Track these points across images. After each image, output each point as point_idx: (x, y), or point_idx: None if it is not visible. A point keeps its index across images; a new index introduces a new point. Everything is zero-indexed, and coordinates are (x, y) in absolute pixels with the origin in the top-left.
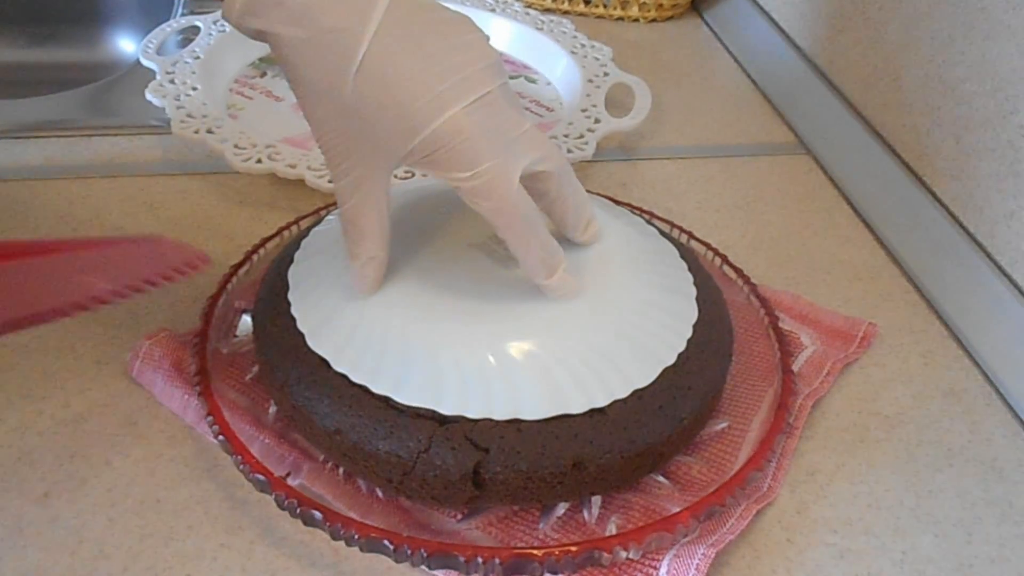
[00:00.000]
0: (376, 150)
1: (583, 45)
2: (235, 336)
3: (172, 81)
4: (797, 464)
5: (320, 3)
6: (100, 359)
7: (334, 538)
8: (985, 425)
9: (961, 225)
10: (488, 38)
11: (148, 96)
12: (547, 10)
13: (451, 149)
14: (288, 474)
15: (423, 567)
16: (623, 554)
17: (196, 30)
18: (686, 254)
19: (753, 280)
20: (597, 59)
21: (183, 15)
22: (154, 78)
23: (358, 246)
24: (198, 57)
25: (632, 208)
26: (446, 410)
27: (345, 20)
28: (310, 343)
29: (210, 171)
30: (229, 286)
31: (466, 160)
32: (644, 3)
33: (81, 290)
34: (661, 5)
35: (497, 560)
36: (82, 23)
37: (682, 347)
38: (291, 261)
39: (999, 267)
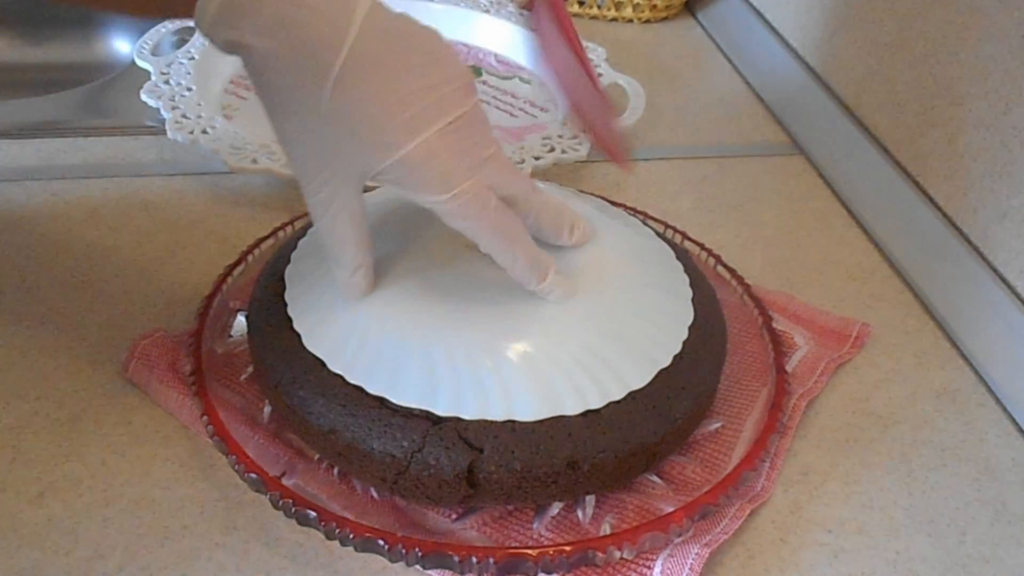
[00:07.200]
0: (349, 165)
1: None
2: (230, 336)
3: (167, 82)
4: (791, 464)
5: (297, 14)
6: (95, 359)
7: (329, 538)
8: (978, 425)
9: (954, 225)
10: (459, 55)
11: (143, 97)
12: None
13: (425, 173)
14: (283, 474)
15: (418, 567)
16: (617, 554)
17: (191, 31)
18: (681, 255)
19: (747, 280)
20: (591, 60)
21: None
22: (149, 79)
23: (341, 257)
24: (193, 58)
25: (626, 209)
26: (441, 411)
27: (322, 32)
28: (307, 343)
29: (205, 171)
30: (224, 286)
31: (441, 183)
32: (638, 4)
33: None
34: (655, 6)
35: (491, 560)
36: (77, 24)
37: (677, 349)
38: (288, 261)
39: (992, 267)
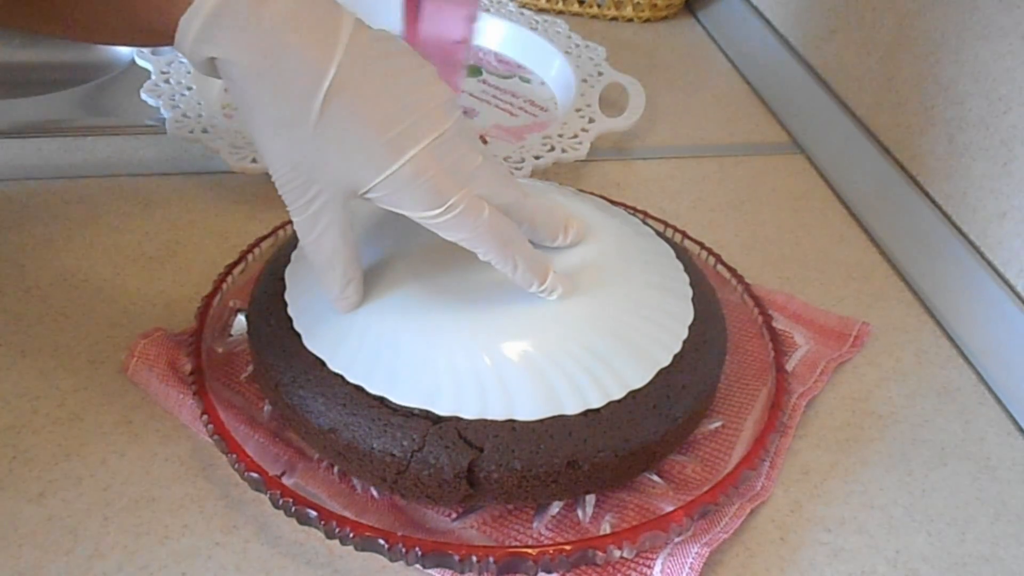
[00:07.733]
0: (337, 181)
1: (577, 45)
2: (230, 335)
3: (167, 81)
4: (791, 463)
5: (284, 30)
6: (95, 358)
7: (329, 537)
8: (978, 424)
9: (954, 224)
10: (436, 72)
11: (143, 96)
12: (541, 10)
13: (415, 189)
14: (283, 473)
15: (418, 566)
16: (617, 553)
17: None
18: (681, 254)
19: (747, 279)
20: (591, 59)
21: None
22: (149, 78)
23: (331, 273)
24: None
25: (626, 208)
26: (441, 410)
27: (310, 49)
28: (306, 343)
29: (205, 171)
30: (224, 285)
31: (433, 198)
32: (638, 3)
33: None
34: (655, 5)
35: (491, 559)
36: None
37: (678, 348)
38: (288, 260)
39: (992, 266)
